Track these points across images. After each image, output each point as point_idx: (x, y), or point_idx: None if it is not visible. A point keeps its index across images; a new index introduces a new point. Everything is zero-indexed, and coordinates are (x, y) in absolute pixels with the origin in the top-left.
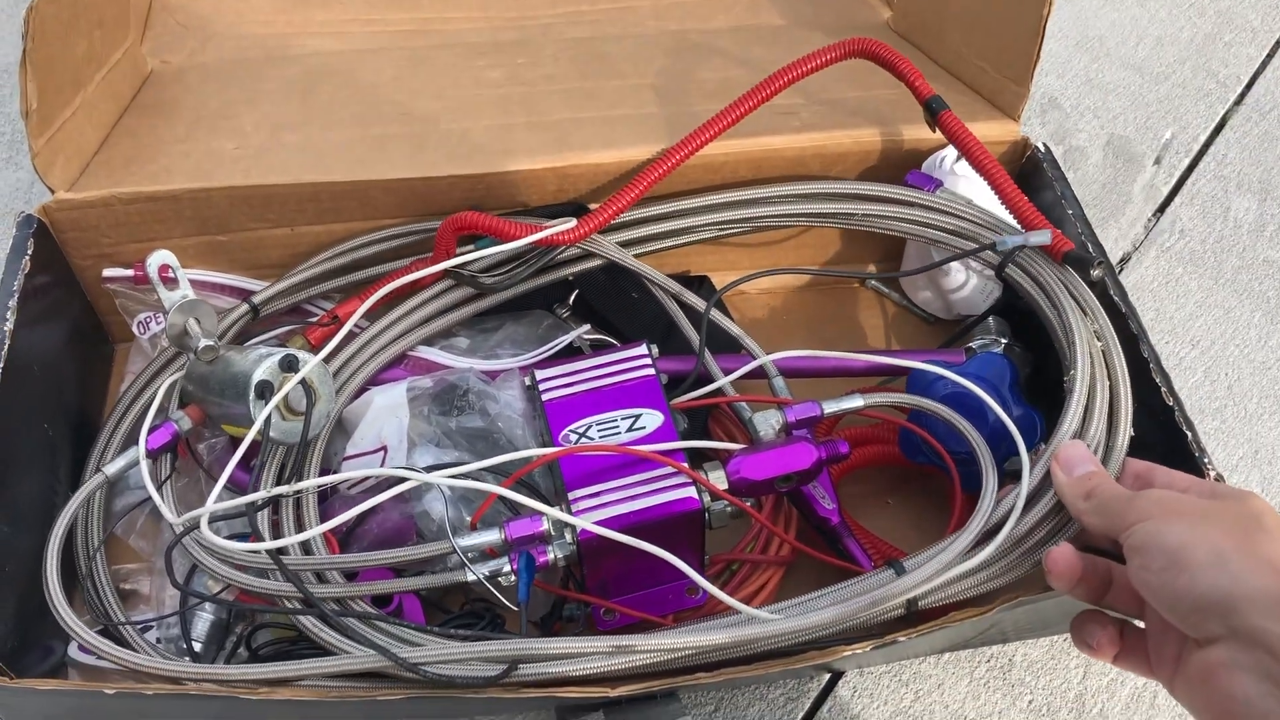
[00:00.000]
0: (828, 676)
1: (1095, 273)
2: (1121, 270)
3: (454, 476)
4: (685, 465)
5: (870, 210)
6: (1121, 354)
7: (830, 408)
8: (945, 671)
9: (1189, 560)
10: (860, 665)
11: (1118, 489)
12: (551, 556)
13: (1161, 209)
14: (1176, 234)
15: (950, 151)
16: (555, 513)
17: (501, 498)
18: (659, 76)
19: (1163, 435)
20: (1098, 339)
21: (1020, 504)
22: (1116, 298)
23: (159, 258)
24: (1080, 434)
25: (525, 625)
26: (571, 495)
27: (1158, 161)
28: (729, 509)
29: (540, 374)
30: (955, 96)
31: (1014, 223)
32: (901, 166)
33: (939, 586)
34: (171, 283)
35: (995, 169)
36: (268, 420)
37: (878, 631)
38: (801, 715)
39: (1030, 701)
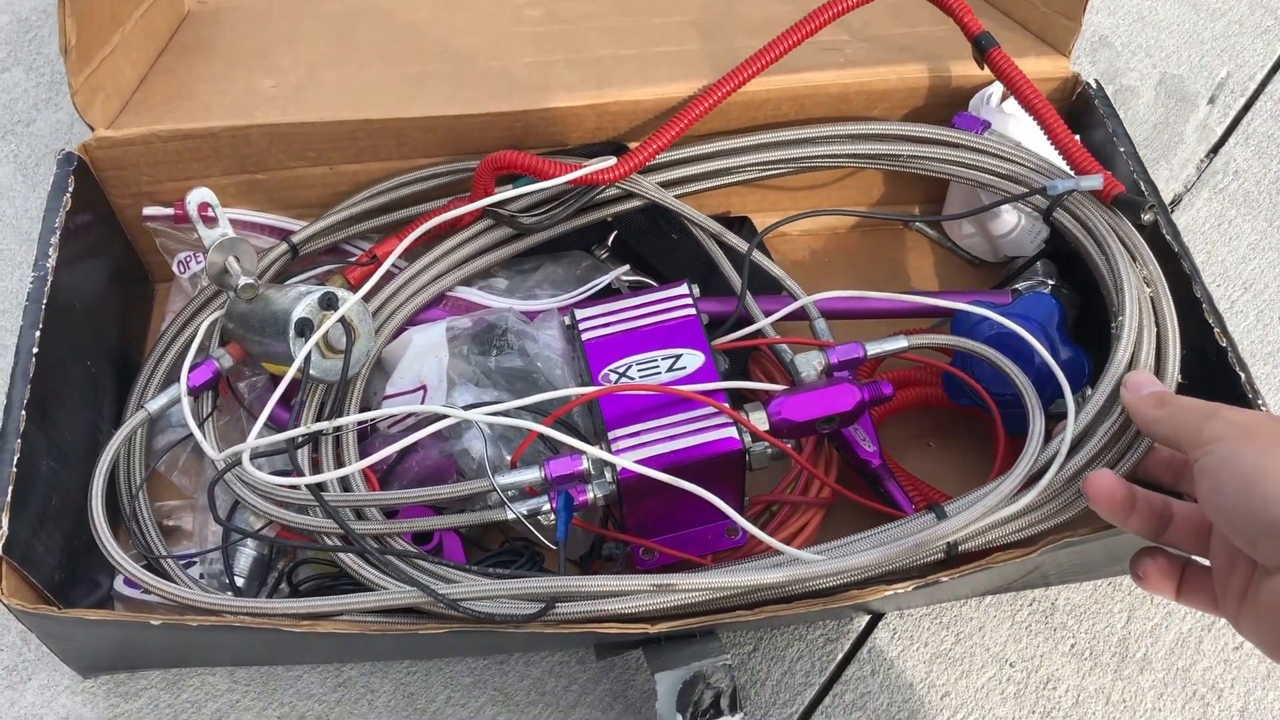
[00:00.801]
0: (867, 618)
1: (1146, 216)
2: (1173, 212)
3: (494, 414)
4: (726, 405)
5: (917, 152)
6: (1171, 301)
7: (874, 349)
8: (986, 614)
9: (1263, 486)
10: (900, 607)
11: (1193, 401)
12: (591, 496)
13: (1215, 150)
14: (1230, 175)
15: (997, 88)
16: (595, 451)
17: (541, 437)
18: (700, 12)
19: (1215, 378)
20: (1147, 285)
21: (1065, 448)
22: (1169, 237)
23: (198, 195)
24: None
25: (564, 564)
26: (611, 435)
27: (1212, 101)
28: (770, 450)
29: (580, 313)
30: (1004, 33)
31: (1063, 165)
32: (948, 104)
33: (980, 531)
34: (211, 221)
35: (1045, 109)
36: (308, 358)
37: (918, 573)
38: (841, 656)
39: (1073, 645)
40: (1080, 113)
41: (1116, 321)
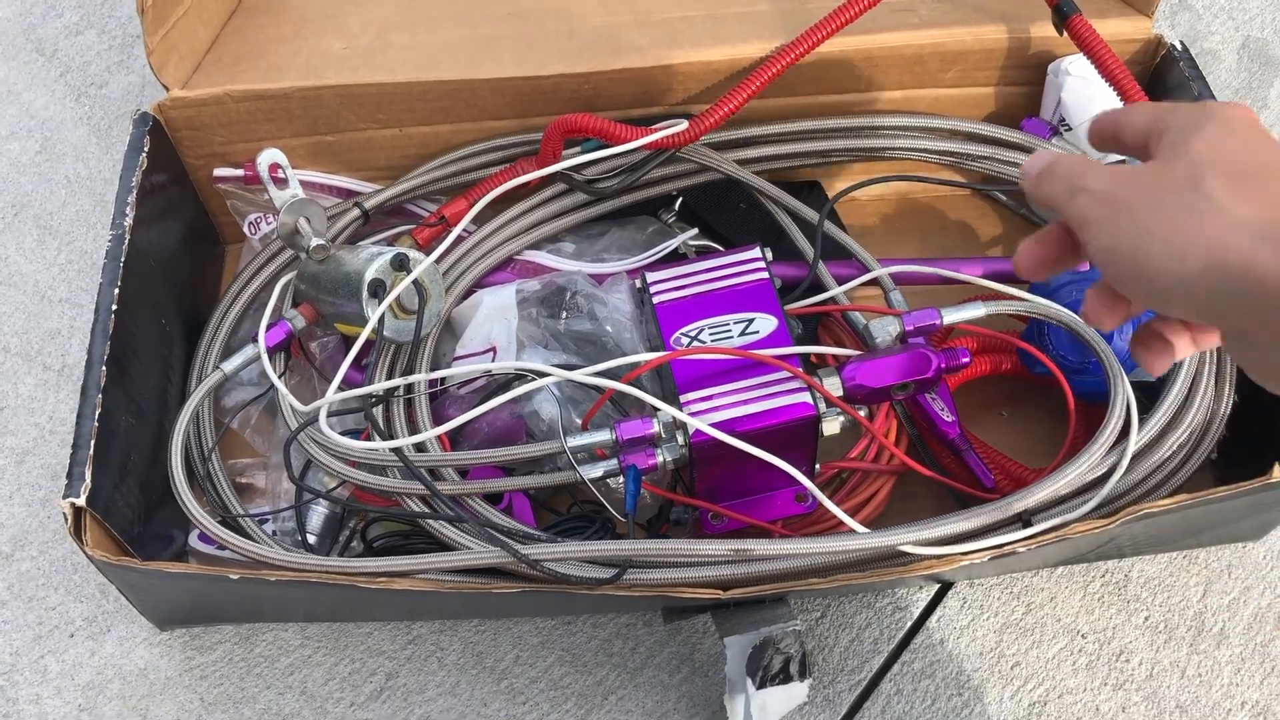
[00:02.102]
0: (936, 587)
1: None
2: None
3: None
4: (800, 370)
5: (984, 152)
6: None
7: (950, 316)
8: (1058, 585)
9: (1148, 263)
10: (971, 576)
11: (1064, 172)
12: (660, 459)
13: None
14: None
15: (1075, 59)
16: (672, 410)
17: (612, 400)
18: None
19: None
20: None
21: (1126, 462)
22: None
23: (269, 156)
24: (1188, 399)
25: (633, 533)
26: (683, 398)
27: None
28: (842, 416)
29: (651, 276)
30: None
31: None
32: (1024, 66)
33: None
34: (281, 182)
35: (1127, 80)
36: (381, 318)
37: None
38: (910, 625)
39: (1146, 618)
40: (1164, 74)
41: None
